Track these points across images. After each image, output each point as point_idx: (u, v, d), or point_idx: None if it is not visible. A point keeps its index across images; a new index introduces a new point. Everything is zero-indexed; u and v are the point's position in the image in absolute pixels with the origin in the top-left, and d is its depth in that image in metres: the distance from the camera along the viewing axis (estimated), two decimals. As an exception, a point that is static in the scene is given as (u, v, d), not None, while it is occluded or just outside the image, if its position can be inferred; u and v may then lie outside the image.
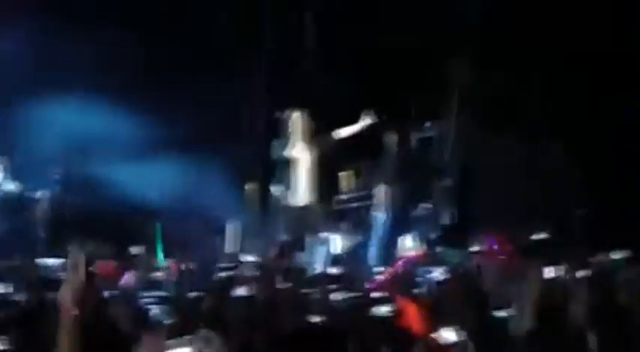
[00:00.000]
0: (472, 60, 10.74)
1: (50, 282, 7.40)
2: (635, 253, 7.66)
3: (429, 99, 10.96)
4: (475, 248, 8.90)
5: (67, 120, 10.02)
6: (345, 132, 9.08)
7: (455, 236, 9.93)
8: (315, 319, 5.67)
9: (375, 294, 7.08)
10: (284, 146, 9.05)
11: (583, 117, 10.13)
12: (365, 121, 8.99)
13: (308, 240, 9.07)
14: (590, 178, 10.01)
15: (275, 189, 9.16)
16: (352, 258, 9.50)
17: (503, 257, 8.35)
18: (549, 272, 7.07)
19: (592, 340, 4.54)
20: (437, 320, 5.22)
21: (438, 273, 7.28)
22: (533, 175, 10.07)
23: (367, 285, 7.92)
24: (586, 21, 10.04)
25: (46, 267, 8.61)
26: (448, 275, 7.01)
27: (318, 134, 9.13)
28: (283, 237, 8.79)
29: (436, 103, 11.09)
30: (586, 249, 7.97)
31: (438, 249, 9.48)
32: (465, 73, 10.85)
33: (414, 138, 10.52)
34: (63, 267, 8.27)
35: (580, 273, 6.97)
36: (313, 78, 11.73)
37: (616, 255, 7.75)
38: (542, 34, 10.22)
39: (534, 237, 8.80)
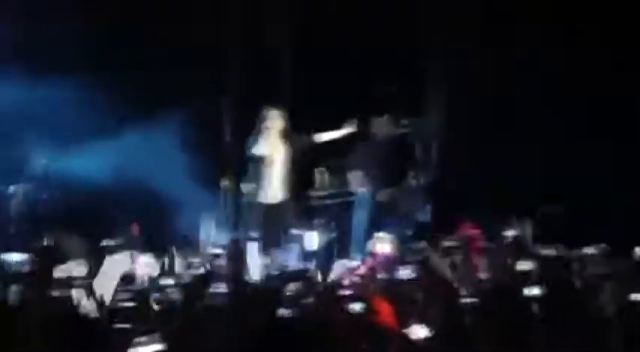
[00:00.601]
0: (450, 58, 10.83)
1: (16, 277, 7.39)
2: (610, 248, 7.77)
3: (406, 97, 11.01)
4: (449, 243, 8.95)
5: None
6: (325, 137, 9.21)
7: (429, 231, 9.97)
8: (287, 315, 5.68)
9: (348, 291, 7.10)
10: (259, 143, 9.06)
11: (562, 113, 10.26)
12: (346, 129, 9.13)
13: (281, 236, 9.09)
14: (565, 174, 10.10)
15: (248, 186, 9.18)
16: (326, 255, 9.49)
17: (476, 251, 8.41)
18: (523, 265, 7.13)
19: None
20: (408, 316, 5.24)
21: (409, 270, 7.30)
22: (507, 171, 10.15)
23: (341, 282, 7.94)
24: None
25: (11, 263, 8.53)
26: (419, 271, 7.03)
27: (293, 132, 9.16)
28: (252, 234, 8.83)
29: (413, 100, 11.13)
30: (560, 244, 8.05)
31: (412, 245, 9.51)
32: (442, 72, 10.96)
33: (391, 133, 10.53)
34: (29, 262, 8.26)
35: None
36: (291, 75, 11.70)
37: (590, 250, 7.83)
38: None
39: (508, 232, 8.86)
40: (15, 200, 9.56)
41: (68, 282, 6.79)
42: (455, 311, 5.35)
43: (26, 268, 8.07)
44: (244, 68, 11.07)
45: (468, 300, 5.62)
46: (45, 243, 8.95)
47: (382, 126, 9.97)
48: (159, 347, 4.63)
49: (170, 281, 7.26)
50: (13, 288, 6.56)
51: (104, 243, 8.95)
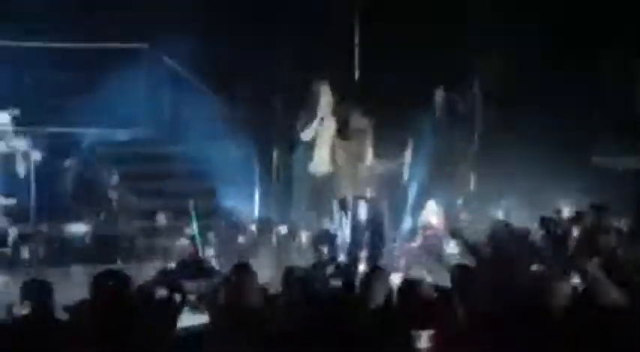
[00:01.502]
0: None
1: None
2: None
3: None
4: (501, 216, 8.93)
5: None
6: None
7: (480, 203, 9.96)
8: (338, 285, 5.74)
9: (401, 262, 7.14)
10: (310, 116, 9.14)
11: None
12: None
13: (333, 207, 9.15)
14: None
15: (300, 158, 9.25)
16: (378, 225, 9.48)
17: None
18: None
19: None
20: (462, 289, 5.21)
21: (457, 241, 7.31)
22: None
23: (393, 253, 7.99)
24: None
25: (71, 234, 8.74)
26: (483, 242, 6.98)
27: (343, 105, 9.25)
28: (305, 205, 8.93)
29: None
30: None
31: (462, 216, 9.53)
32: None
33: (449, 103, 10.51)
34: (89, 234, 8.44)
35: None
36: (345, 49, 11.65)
37: None
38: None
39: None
40: (71, 173, 9.66)
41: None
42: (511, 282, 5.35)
43: (87, 239, 8.29)
44: (296, 40, 11.06)
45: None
46: (102, 216, 9.10)
47: (440, 98, 9.95)
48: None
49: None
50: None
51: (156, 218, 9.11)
